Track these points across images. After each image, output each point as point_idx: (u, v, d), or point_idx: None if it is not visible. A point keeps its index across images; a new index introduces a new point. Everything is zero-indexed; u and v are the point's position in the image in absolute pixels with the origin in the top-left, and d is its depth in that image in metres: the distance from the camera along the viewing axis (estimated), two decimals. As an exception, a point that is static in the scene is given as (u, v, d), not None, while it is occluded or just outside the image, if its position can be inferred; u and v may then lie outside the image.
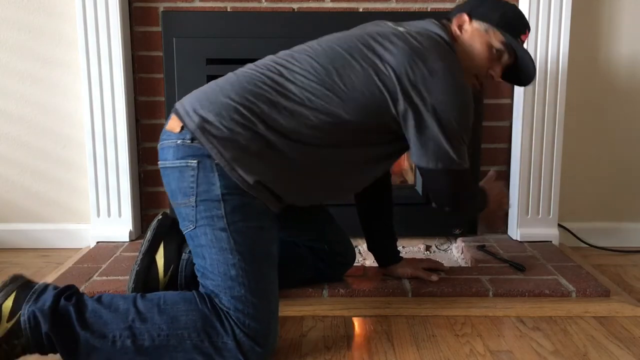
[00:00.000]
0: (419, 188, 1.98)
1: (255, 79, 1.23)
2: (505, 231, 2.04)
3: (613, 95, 2.02)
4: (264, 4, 1.90)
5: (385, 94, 1.23)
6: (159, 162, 1.26)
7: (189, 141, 1.19)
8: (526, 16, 1.83)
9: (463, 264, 1.86)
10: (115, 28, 1.84)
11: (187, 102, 1.24)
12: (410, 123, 1.25)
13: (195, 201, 1.18)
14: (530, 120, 1.91)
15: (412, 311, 1.44)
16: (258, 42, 1.85)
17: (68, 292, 1.15)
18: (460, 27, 1.35)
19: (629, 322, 1.41)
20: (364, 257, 1.93)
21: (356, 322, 1.41)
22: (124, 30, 1.87)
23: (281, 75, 1.24)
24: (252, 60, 1.87)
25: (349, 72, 1.23)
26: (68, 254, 1.91)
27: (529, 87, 1.88)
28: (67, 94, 1.97)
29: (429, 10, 1.90)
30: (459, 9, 1.38)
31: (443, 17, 1.41)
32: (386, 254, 1.61)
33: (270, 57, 1.31)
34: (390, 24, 1.34)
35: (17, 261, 1.90)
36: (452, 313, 1.44)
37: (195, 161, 1.18)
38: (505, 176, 2.00)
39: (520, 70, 1.39)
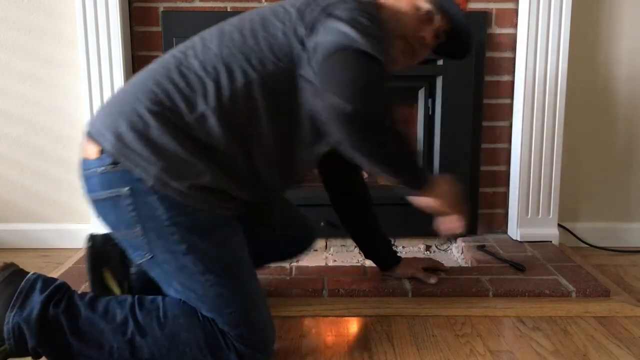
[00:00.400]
0: (419, 188, 1.98)
1: (159, 68, 1.12)
2: (505, 231, 2.04)
3: (613, 95, 2.02)
4: (264, 4, 1.90)
5: (289, 34, 1.09)
6: (85, 195, 1.14)
7: (111, 166, 1.07)
8: (526, 17, 1.85)
9: (463, 264, 1.86)
10: (115, 28, 1.84)
11: (99, 120, 1.11)
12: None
13: (143, 229, 1.08)
14: (530, 120, 1.91)
15: (412, 311, 1.44)
16: (258, 42, 1.84)
17: (57, 297, 1.07)
18: None
19: (629, 322, 1.41)
20: (364, 257, 1.93)
21: (356, 322, 1.41)
22: (124, 30, 1.87)
23: (185, 54, 1.12)
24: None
25: (249, 25, 1.13)
26: (68, 254, 1.91)
27: (529, 87, 1.88)
28: (67, 94, 1.97)
29: (429, 10, 1.89)
30: None
31: None
32: (384, 258, 1.60)
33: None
34: None
35: (17, 261, 1.86)
36: (452, 313, 1.44)
37: (126, 188, 1.06)
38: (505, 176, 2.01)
39: (457, 38, 1.27)
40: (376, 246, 1.59)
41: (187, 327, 1.08)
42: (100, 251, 1.26)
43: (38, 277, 1.11)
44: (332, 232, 1.96)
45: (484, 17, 1.90)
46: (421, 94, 1.92)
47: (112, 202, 1.09)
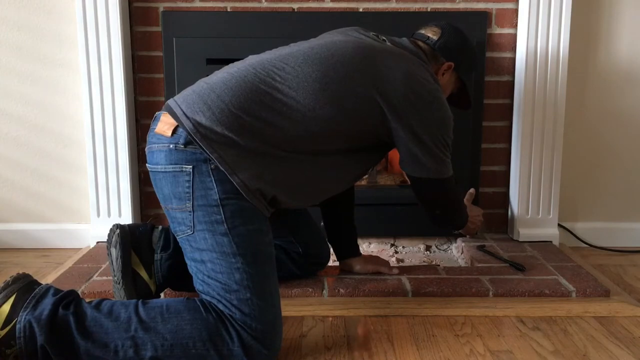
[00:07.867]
0: (419, 188, 1.98)
1: (252, 81, 1.21)
2: (505, 231, 2.04)
3: (613, 95, 2.02)
4: (264, 4, 1.90)
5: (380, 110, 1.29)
6: (147, 165, 1.24)
7: (182, 146, 1.17)
8: (526, 17, 1.86)
9: (463, 264, 1.86)
10: (115, 28, 1.84)
11: (182, 103, 1.20)
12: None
13: (192, 206, 1.17)
14: (530, 120, 1.91)
15: (412, 311, 1.44)
16: (258, 42, 1.84)
17: (67, 300, 1.12)
18: (444, 72, 1.48)
19: (629, 322, 1.41)
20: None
21: (356, 322, 1.41)
22: (124, 30, 1.87)
23: (277, 80, 1.22)
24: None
25: (346, 86, 1.25)
26: (68, 254, 1.91)
27: (529, 87, 1.88)
28: (67, 94, 1.97)
29: (429, 10, 1.89)
30: (443, 47, 1.46)
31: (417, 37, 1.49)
32: (345, 246, 1.63)
33: (261, 58, 1.28)
34: (372, 35, 1.41)
35: (17, 261, 1.90)
36: (452, 313, 1.44)
37: (190, 166, 1.16)
38: (505, 176, 2.01)
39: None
40: (342, 232, 1.62)
41: (190, 320, 1.11)
42: (127, 235, 1.34)
43: (51, 286, 1.16)
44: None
45: (484, 17, 1.90)
46: (421, 94, 1.92)
47: (172, 176, 1.18)
